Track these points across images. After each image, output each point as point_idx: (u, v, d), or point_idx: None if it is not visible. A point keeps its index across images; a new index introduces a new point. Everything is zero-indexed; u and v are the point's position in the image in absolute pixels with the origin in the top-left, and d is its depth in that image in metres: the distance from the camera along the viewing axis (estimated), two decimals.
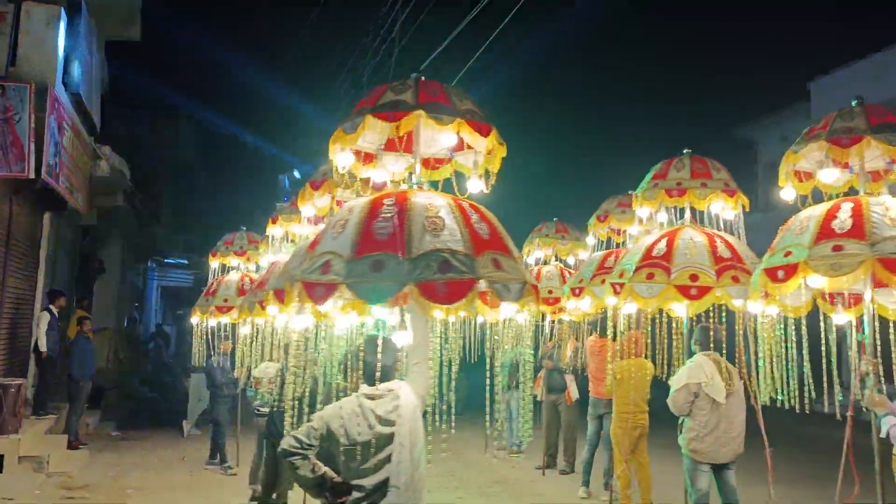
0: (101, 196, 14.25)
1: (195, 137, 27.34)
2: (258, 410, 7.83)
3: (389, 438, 3.39)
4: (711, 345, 5.63)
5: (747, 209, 5.69)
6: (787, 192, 4.64)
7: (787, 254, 4.24)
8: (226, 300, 9.36)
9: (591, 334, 8.40)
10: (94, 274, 17.53)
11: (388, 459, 3.38)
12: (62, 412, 11.34)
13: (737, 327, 5.47)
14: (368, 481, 3.40)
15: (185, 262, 28.01)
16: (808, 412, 4.69)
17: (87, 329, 11.88)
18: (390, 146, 4.01)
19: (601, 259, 7.28)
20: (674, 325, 6.26)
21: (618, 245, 7.49)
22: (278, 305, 4.72)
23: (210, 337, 9.97)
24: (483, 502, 8.25)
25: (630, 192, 7.66)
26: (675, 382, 5.64)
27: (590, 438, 8.12)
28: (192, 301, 32.48)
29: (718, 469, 5.61)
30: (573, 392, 9.19)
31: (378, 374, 3.56)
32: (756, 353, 5.08)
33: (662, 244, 5.54)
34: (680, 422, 5.73)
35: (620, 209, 7.38)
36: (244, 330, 8.29)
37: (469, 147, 3.95)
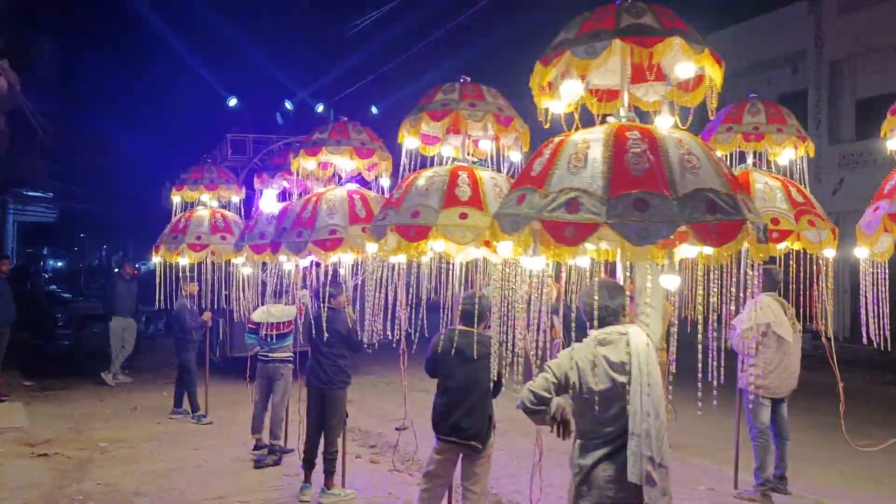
0: None
1: (70, 58, 24.57)
2: (265, 356, 7.34)
3: (625, 385, 3.26)
4: (780, 286, 5.86)
5: (811, 155, 5.88)
6: (894, 142, 4.83)
7: None
8: (199, 237, 8.61)
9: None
10: None
11: (625, 407, 3.26)
12: None
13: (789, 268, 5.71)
14: (606, 430, 3.28)
15: (51, 194, 25.46)
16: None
17: (4, 269, 10.57)
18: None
19: None
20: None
21: None
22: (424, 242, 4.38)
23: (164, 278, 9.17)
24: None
25: None
26: (743, 322, 5.83)
27: None
28: (53, 239, 29.75)
29: (775, 403, 5.92)
30: (559, 328, 9.29)
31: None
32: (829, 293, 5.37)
33: None
34: (741, 360, 5.95)
35: None
36: (246, 271, 7.67)
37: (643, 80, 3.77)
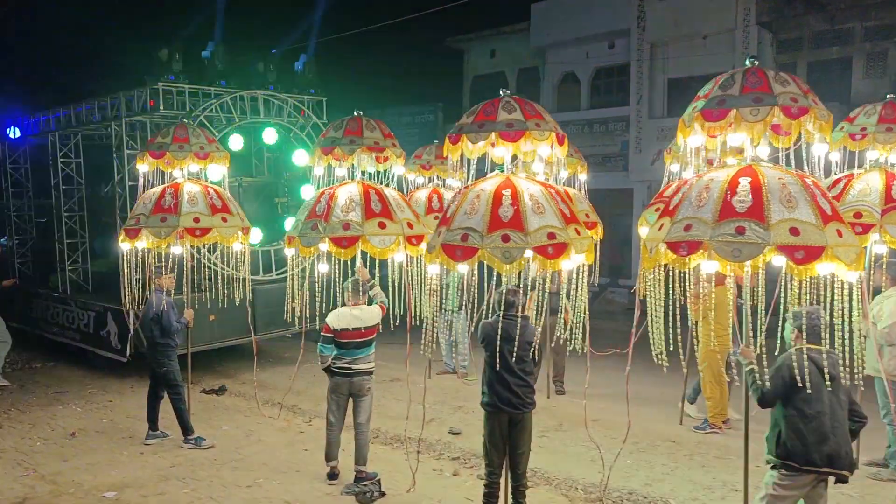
0: None
1: None
2: (347, 368, 6.10)
3: None
4: None
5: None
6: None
7: None
8: (197, 220, 6.87)
9: None
10: None
11: None
12: None
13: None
14: None
15: None
16: None
17: None
18: None
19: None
20: None
21: None
22: None
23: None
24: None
25: None
26: (891, 315, 6.12)
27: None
28: None
29: None
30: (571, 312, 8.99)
31: None
32: None
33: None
34: (877, 350, 6.20)
35: None
36: (322, 268, 6.15)
37: None
